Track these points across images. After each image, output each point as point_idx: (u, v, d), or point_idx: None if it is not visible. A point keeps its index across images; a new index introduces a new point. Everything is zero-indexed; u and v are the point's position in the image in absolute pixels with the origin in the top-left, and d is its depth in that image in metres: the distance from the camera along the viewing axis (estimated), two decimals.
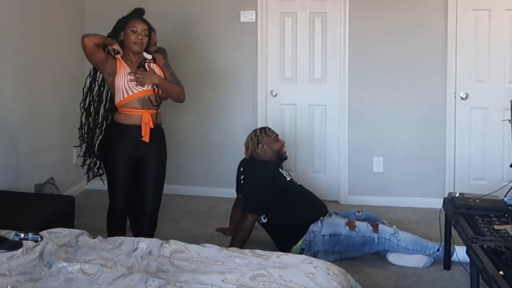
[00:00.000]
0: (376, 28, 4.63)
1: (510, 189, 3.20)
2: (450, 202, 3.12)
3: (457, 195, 3.19)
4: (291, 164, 4.82)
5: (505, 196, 3.17)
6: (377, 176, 4.70)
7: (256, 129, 3.79)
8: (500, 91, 4.46)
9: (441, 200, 3.34)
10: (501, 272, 2.11)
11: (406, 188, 4.65)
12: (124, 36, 3.20)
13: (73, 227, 3.22)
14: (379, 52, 4.64)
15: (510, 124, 3.29)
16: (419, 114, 4.62)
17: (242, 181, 3.71)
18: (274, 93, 4.82)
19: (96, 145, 3.35)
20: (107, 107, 3.39)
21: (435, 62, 4.56)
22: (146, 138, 3.12)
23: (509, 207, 2.99)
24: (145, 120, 3.11)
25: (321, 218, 3.47)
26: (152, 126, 3.13)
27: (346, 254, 3.40)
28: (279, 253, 2.28)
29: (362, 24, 4.64)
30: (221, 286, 1.95)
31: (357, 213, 3.69)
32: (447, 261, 3.31)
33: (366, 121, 4.69)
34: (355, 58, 4.65)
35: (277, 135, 3.77)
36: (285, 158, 3.80)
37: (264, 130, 3.74)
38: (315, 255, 3.32)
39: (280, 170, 3.67)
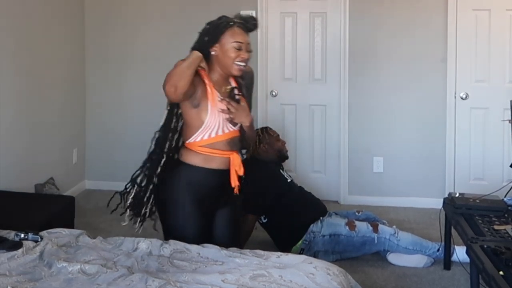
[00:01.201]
0: (376, 28, 4.63)
1: (510, 189, 3.20)
2: (450, 202, 3.12)
3: (457, 195, 3.19)
4: (291, 164, 4.81)
5: (505, 196, 3.17)
6: (377, 176, 4.70)
7: (258, 129, 3.78)
8: (500, 91, 4.46)
9: (441, 200, 3.34)
10: (501, 272, 2.11)
11: (406, 188, 4.65)
12: (220, 51, 2.40)
13: (73, 227, 3.22)
14: (379, 52, 4.64)
15: (510, 124, 3.29)
16: (419, 114, 4.62)
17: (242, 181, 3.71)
18: (274, 93, 4.82)
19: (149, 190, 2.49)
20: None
21: (435, 62, 4.57)
22: (236, 188, 2.45)
23: (509, 207, 2.99)
24: (236, 164, 2.43)
25: (321, 218, 3.47)
26: (242, 174, 2.47)
27: (346, 254, 3.40)
28: (279, 253, 2.27)
29: (362, 24, 4.64)
30: (221, 286, 1.94)
31: (357, 213, 3.69)
32: (447, 261, 3.31)
33: (366, 121, 4.69)
34: (355, 58, 4.65)
35: (278, 135, 3.78)
36: (287, 157, 3.79)
37: (266, 129, 3.74)
38: (315, 255, 3.32)
39: (281, 171, 3.68)
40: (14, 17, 3.91)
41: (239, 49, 2.37)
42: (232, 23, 2.47)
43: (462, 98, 4.53)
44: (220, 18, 2.50)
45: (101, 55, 5.06)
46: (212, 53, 2.38)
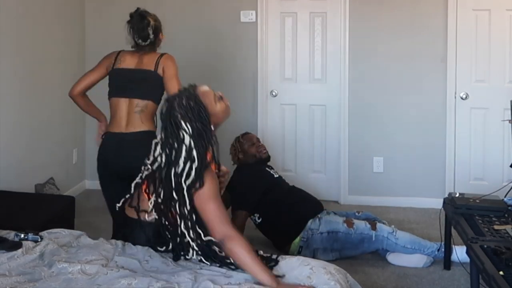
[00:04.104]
0: (376, 28, 4.63)
1: (510, 189, 3.19)
2: (450, 202, 3.12)
3: (457, 195, 3.19)
4: (291, 164, 4.82)
5: (505, 196, 3.17)
6: (377, 176, 4.70)
7: (233, 140, 3.92)
8: (500, 91, 4.46)
9: (441, 200, 3.34)
10: (501, 272, 2.10)
11: (406, 188, 4.65)
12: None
13: (73, 227, 3.22)
14: (379, 52, 4.64)
15: (510, 124, 3.29)
16: (419, 114, 4.62)
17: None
18: (274, 93, 4.82)
19: None
20: None
21: (435, 62, 4.57)
22: None
23: (509, 207, 2.99)
24: None
25: (318, 215, 3.49)
26: None
27: (345, 252, 3.41)
28: (278, 256, 2.27)
29: (362, 24, 4.64)
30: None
31: (357, 213, 3.70)
32: (447, 261, 3.31)
33: (366, 121, 4.69)
34: (355, 58, 4.65)
35: (252, 139, 3.88)
36: (266, 158, 3.88)
37: (238, 139, 3.88)
38: (314, 252, 3.34)
39: (267, 169, 3.77)
40: (14, 18, 3.91)
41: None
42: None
43: (462, 98, 4.53)
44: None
45: (101, 55, 5.03)
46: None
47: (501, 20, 4.45)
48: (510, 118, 3.27)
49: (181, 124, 2.13)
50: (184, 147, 2.12)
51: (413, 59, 4.60)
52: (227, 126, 4.81)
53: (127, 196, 2.31)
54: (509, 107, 3.27)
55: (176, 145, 2.14)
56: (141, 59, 2.99)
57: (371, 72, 4.66)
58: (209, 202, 2.11)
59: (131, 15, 3.03)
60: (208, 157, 2.17)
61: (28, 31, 4.10)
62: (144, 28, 2.99)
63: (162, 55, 3.02)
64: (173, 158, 2.14)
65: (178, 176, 2.11)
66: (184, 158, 2.12)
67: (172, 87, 2.85)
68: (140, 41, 3.00)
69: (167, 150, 2.16)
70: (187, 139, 2.12)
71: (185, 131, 2.13)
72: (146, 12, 3.08)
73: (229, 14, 4.83)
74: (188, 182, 2.11)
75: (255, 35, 4.80)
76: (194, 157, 2.11)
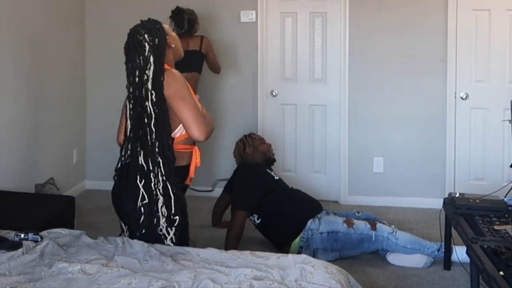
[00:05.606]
0: (376, 28, 4.64)
1: (510, 189, 3.19)
2: (450, 202, 3.12)
3: (457, 195, 3.19)
4: (291, 164, 4.82)
5: (505, 196, 3.17)
6: (377, 176, 4.70)
7: (241, 137, 3.95)
8: (500, 91, 4.46)
9: (441, 201, 3.34)
10: (501, 273, 2.11)
11: (406, 188, 4.64)
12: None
13: (73, 227, 3.22)
14: (379, 52, 4.64)
15: (510, 124, 3.29)
16: (419, 114, 4.62)
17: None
18: (274, 93, 4.82)
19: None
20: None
21: (435, 62, 4.57)
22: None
23: (509, 207, 2.99)
24: (198, 156, 2.49)
25: (318, 215, 3.49)
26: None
27: (345, 252, 3.41)
28: (279, 254, 2.28)
29: (362, 24, 4.64)
30: (222, 286, 1.94)
31: (357, 214, 3.70)
32: (447, 261, 3.31)
33: (366, 121, 4.69)
34: (355, 58, 4.65)
35: (263, 139, 3.94)
36: (273, 160, 3.93)
37: (249, 135, 3.93)
38: (314, 253, 3.34)
39: (268, 170, 3.78)
40: (15, 18, 3.90)
41: None
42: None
43: (462, 98, 4.53)
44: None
45: (101, 55, 5.06)
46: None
47: (501, 20, 4.45)
48: (510, 118, 3.27)
49: (144, 38, 2.37)
50: (144, 57, 2.35)
51: (413, 59, 4.60)
52: (227, 126, 4.86)
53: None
54: (509, 107, 3.27)
55: (141, 61, 2.36)
56: (187, 43, 4.12)
57: (371, 72, 4.66)
58: (177, 104, 2.33)
59: (172, 12, 4.29)
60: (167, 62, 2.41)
61: (28, 31, 4.09)
62: (181, 21, 4.24)
63: (202, 37, 4.34)
64: (140, 72, 2.35)
65: (144, 84, 2.33)
66: (144, 66, 2.35)
67: (213, 62, 4.48)
68: (178, 29, 4.19)
69: (135, 70, 2.37)
70: (147, 50, 2.35)
71: (147, 42, 2.36)
72: (182, 9, 4.28)
73: (229, 14, 4.83)
74: (151, 87, 2.32)
75: (255, 35, 4.80)
76: (151, 62, 2.34)
